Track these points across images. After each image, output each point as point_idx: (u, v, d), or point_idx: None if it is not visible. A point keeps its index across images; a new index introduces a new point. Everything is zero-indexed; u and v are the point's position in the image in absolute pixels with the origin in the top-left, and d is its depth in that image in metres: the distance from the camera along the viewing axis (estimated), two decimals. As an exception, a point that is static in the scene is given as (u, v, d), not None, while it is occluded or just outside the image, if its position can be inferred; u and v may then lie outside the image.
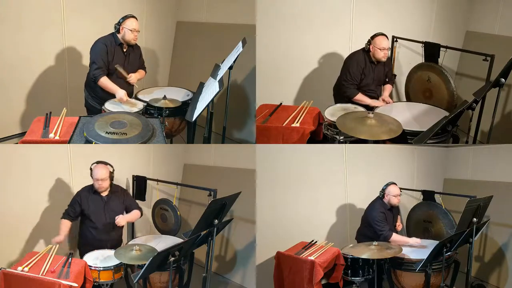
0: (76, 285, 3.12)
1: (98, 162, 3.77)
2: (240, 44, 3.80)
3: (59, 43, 4.55)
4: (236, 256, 4.43)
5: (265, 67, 4.60)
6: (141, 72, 4.11)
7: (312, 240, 4.04)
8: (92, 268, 3.39)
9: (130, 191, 4.36)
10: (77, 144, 3.24)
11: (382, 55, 4.06)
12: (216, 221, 3.29)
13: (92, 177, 3.76)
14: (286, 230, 4.31)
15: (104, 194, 3.78)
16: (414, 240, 3.82)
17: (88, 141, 3.17)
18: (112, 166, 3.81)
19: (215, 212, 3.27)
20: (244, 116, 4.70)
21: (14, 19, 4.27)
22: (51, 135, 3.53)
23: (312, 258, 3.65)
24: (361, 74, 4.11)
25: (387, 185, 3.98)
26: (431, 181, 4.88)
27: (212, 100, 3.50)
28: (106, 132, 3.19)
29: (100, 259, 3.50)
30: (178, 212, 4.12)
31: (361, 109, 4.02)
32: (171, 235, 4.13)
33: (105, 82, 3.82)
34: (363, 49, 4.14)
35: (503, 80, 3.39)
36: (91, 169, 3.76)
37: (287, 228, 4.33)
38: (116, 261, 3.44)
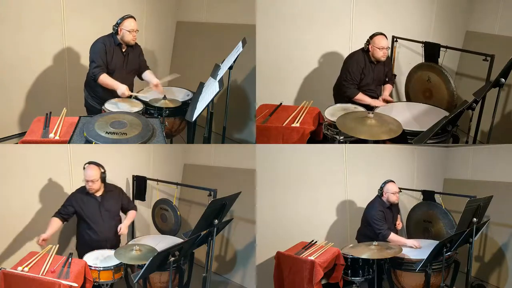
0: (76, 285, 3.12)
1: (89, 163, 3.72)
2: (240, 44, 3.80)
3: (59, 43, 4.55)
4: (236, 256, 4.43)
5: (265, 67, 4.60)
6: None
7: (312, 240, 4.04)
8: (92, 268, 3.39)
9: (130, 191, 4.36)
10: (77, 144, 3.24)
11: (381, 55, 4.07)
12: (216, 221, 3.29)
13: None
14: (286, 230, 4.31)
15: (98, 194, 3.74)
16: (411, 242, 3.82)
17: (88, 141, 3.17)
18: (103, 167, 3.75)
19: (215, 212, 3.27)
20: (244, 116, 4.70)
21: (14, 19, 4.27)
22: (51, 135, 3.53)
23: (312, 258, 3.65)
24: (361, 74, 4.11)
25: (385, 183, 3.99)
26: (431, 181, 4.88)
27: (212, 100, 3.50)
28: (106, 132, 3.19)
29: (100, 259, 3.50)
30: (178, 212, 4.12)
31: (361, 109, 4.02)
32: (171, 235, 4.13)
33: (105, 79, 3.81)
34: (362, 49, 4.15)
35: (503, 80, 3.39)
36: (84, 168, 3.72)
37: (287, 228, 4.33)
38: (116, 261, 3.43)
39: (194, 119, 3.53)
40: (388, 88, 4.30)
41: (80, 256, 3.62)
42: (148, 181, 4.34)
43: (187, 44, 5.24)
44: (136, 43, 3.98)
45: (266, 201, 4.23)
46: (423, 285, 3.62)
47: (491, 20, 4.53)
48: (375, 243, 3.70)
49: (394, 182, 4.00)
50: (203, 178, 4.68)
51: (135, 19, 3.88)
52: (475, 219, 3.44)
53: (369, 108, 4.03)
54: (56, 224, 3.63)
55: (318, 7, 4.69)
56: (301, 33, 4.73)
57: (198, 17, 5.07)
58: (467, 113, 3.60)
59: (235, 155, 4.44)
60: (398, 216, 4.21)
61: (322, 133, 3.99)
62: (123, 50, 3.92)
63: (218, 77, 3.70)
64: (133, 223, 4.36)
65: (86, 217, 3.69)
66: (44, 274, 3.16)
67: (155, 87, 3.96)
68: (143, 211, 4.50)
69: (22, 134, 4.36)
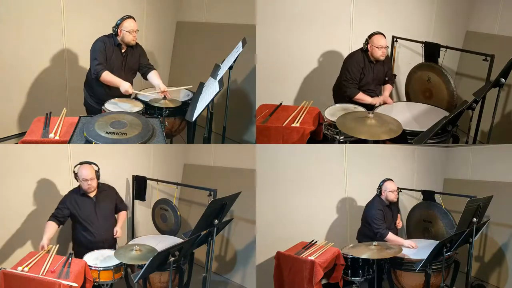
0: (76, 285, 3.12)
1: (81, 163, 3.70)
2: (240, 44, 3.80)
3: (59, 43, 4.55)
4: (236, 256, 4.43)
5: (265, 67, 4.60)
6: None
7: (312, 240, 4.04)
8: (92, 268, 3.38)
9: (130, 191, 4.36)
10: (77, 144, 3.23)
11: (380, 54, 4.07)
12: (216, 221, 3.29)
13: (78, 179, 3.68)
14: (286, 230, 4.31)
15: (92, 194, 3.72)
16: (408, 243, 3.82)
17: (88, 141, 3.17)
18: (96, 165, 3.74)
19: (215, 212, 3.27)
20: (244, 116, 4.70)
21: (14, 19, 4.27)
22: (51, 135, 3.53)
23: (312, 258, 3.65)
24: (360, 73, 4.12)
25: (383, 181, 4.00)
26: (431, 181, 4.88)
27: (212, 100, 3.50)
28: (106, 132, 3.19)
29: (100, 259, 3.50)
30: (178, 212, 4.12)
31: (361, 109, 4.03)
32: (171, 235, 4.13)
33: (107, 76, 3.79)
34: (361, 49, 4.16)
35: (503, 80, 3.39)
36: (74, 172, 3.69)
37: (287, 228, 4.33)
38: (116, 261, 3.43)
39: (194, 119, 3.52)
40: (388, 88, 4.30)
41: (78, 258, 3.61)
42: (148, 181, 4.33)
43: (187, 44, 5.24)
44: (137, 44, 3.97)
45: (266, 201, 4.23)
46: (423, 285, 3.62)
47: (491, 20, 4.53)
48: (375, 243, 3.70)
49: (392, 180, 4.00)
50: (203, 178, 4.68)
51: (134, 19, 3.87)
52: (475, 219, 3.44)
53: (369, 108, 4.04)
54: (52, 228, 3.60)
55: (318, 7, 4.69)
56: (301, 33, 4.74)
57: (198, 17, 5.07)
58: (467, 113, 3.60)
59: (235, 155, 4.44)
60: (398, 215, 4.21)
61: (322, 133, 3.99)
62: (123, 50, 3.92)
63: (218, 77, 3.70)
64: (133, 223, 4.37)
65: (82, 219, 3.66)
66: (44, 274, 3.16)
67: (162, 93, 3.94)
68: (143, 211, 4.50)
69: (22, 134, 4.36)
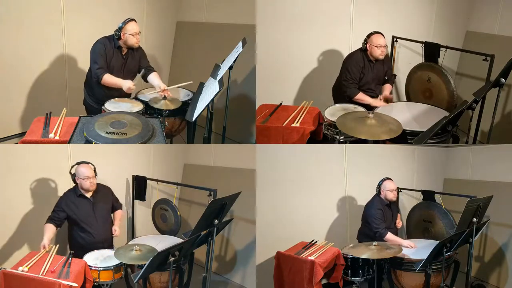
0: (76, 285, 3.12)
1: (78, 163, 3.69)
2: (240, 44, 3.80)
3: (59, 43, 4.55)
4: (236, 256, 4.43)
5: (265, 67, 4.60)
6: None
7: (312, 240, 4.04)
8: (92, 268, 3.38)
9: (130, 191, 4.36)
10: (77, 144, 3.23)
11: (379, 53, 4.08)
12: (216, 221, 3.29)
13: (77, 179, 3.66)
14: (286, 230, 4.31)
15: (89, 195, 3.70)
16: (407, 243, 3.82)
17: (88, 141, 3.17)
18: (93, 164, 3.73)
19: (215, 212, 3.27)
20: (244, 116, 4.70)
21: (14, 19, 4.27)
22: (51, 135, 3.53)
23: (312, 258, 3.65)
24: (360, 73, 4.12)
25: (382, 180, 4.00)
26: (431, 181, 4.88)
27: (212, 100, 3.50)
28: (106, 132, 3.19)
29: (100, 259, 3.50)
30: (178, 212, 4.12)
31: (361, 109, 4.03)
32: (171, 235, 4.13)
33: (108, 79, 3.80)
34: (360, 48, 4.16)
35: (503, 80, 3.39)
36: (71, 173, 3.67)
37: (287, 228, 4.33)
38: (116, 261, 3.43)
39: (194, 119, 3.53)
40: (387, 88, 4.30)
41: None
42: (148, 181, 4.34)
43: (187, 44, 5.24)
44: (138, 46, 3.97)
45: (266, 201, 4.23)
46: (423, 285, 3.62)
47: (491, 20, 4.53)
48: (375, 243, 3.70)
49: (391, 179, 4.01)
50: (203, 178, 4.68)
51: (136, 22, 3.87)
52: (475, 219, 3.44)
53: (369, 108, 4.04)
54: (51, 229, 3.59)
55: (318, 7, 4.69)
56: (301, 33, 4.74)
57: (198, 17, 5.07)
58: (467, 113, 3.60)
59: (235, 155, 4.44)
60: (398, 215, 4.21)
61: (322, 133, 3.99)
62: (123, 53, 3.91)
63: (218, 77, 3.70)
64: (133, 223, 4.37)
65: (80, 220, 3.64)
66: (44, 274, 3.16)
67: (162, 92, 3.94)
68: (143, 211, 4.50)
69: (22, 134, 4.36)
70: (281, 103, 4.26)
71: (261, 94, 4.50)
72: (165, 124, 3.71)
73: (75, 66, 4.64)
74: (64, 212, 3.63)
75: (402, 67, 4.71)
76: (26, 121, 4.47)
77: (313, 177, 4.47)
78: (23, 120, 4.54)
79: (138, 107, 3.81)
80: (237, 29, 4.61)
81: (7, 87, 4.41)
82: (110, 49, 3.84)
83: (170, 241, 3.90)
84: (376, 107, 4.04)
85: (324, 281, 3.82)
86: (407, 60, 4.69)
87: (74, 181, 3.70)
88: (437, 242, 3.41)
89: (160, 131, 3.38)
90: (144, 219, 4.49)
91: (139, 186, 4.32)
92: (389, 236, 3.85)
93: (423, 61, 4.34)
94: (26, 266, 3.21)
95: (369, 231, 3.96)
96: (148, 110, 3.86)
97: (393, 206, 4.07)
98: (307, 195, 4.45)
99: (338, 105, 4.12)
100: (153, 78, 4.03)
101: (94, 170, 3.72)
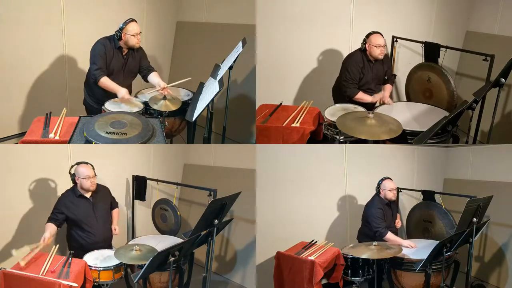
0: (76, 285, 3.12)
1: (78, 163, 3.68)
2: (240, 44, 3.80)
3: (59, 43, 4.55)
4: (236, 256, 4.43)
5: (265, 67, 4.60)
6: None
7: (312, 240, 4.04)
8: (92, 268, 3.38)
9: (130, 191, 4.36)
10: (77, 144, 3.24)
11: (378, 52, 4.08)
12: (216, 221, 3.29)
13: (77, 179, 3.64)
14: (286, 230, 4.31)
15: (89, 195, 3.69)
16: (407, 243, 3.82)
17: (88, 141, 3.17)
18: (92, 165, 3.72)
19: (215, 212, 3.27)
20: (244, 116, 4.70)
21: (13, 19, 4.27)
22: (51, 135, 3.53)
23: (312, 258, 3.65)
24: (360, 73, 4.13)
25: (382, 180, 4.00)
26: (431, 181, 4.88)
27: (212, 100, 3.50)
28: (106, 132, 3.19)
29: (100, 259, 3.50)
30: (178, 212, 4.12)
31: (361, 109, 4.03)
32: (171, 235, 4.13)
33: (105, 82, 3.81)
34: (359, 48, 4.17)
35: (503, 80, 3.39)
36: (70, 173, 3.66)
37: (287, 228, 4.33)
38: (116, 261, 3.43)
39: (194, 119, 3.53)
40: (388, 88, 4.30)
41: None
42: (148, 181, 4.34)
43: (187, 44, 5.24)
44: (139, 46, 3.97)
45: (266, 201, 4.23)
46: (423, 285, 3.62)
47: (491, 20, 4.53)
48: (375, 243, 3.70)
49: (390, 179, 4.01)
50: (203, 178, 4.68)
51: (136, 22, 3.87)
52: (475, 219, 3.44)
53: (369, 107, 4.04)
54: (53, 227, 3.57)
55: (318, 7, 4.69)
56: (301, 33, 4.74)
57: (198, 17, 5.07)
58: (467, 113, 3.60)
59: (235, 155, 4.44)
60: (398, 215, 4.21)
61: (322, 133, 3.99)
62: (124, 53, 3.91)
63: (218, 77, 3.70)
64: (133, 223, 4.37)
65: (80, 221, 3.62)
66: (44, 274, 3.16)
67: (162, 90, 3.93)
68: (143, 211, 4.50)
69: (22, 134, 4.36)
70: (281, 103, 4.26)
71: (261, 94, 4.50)
72: (165, 124, 3.71)
73: (75, 66, 4.64)
74: (63, 214, 3.61)
75: (402, 67, 4.71)
76: (26, 121, 4.47)
77: (313, 177, 4.47)
78: (23, 120, 4.54)
79: (138, 107, 3.81)
80: (237, 29, 4.61)
81: (7, 87, 4.41)
82: (110, 49, 3.84)
83: (170, 241, 3.90)
84: (376, 106, 4.04)
85: (324, 281, 3.82)
86: (407, 60, 4.69)
87: (74, 181, 3.69)
88: (437, 242, 3.40)
89: (160, 131, 3.38)
90: (144, 219, 4.49)
91: (139, 186, 4.32)
92: (389, 235, 3.85)
93: (423, 61, 4.34)
94: (26, 266, 3.20)
95: (369, 231, 3.96)
96: (148, 110, 3.86)
97: (393, 206, 4.08)
98: (307, 195, 4.45)
99: (338, 105, 4.12)
100: (153, 77, 4.03)
101: (93, 169, 3.72)
